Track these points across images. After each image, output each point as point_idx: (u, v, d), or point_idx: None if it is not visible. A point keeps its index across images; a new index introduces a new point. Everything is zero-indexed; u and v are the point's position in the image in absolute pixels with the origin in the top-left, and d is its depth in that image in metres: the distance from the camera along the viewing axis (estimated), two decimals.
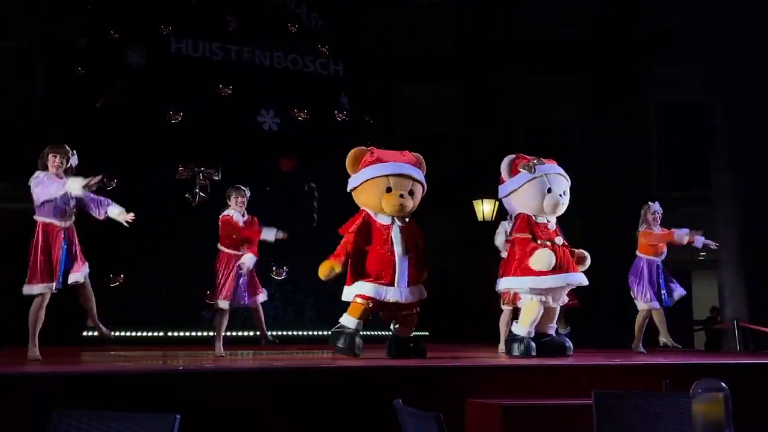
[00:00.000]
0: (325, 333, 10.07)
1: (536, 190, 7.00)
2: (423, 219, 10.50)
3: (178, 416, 2.91)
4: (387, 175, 6.75)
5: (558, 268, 6.84)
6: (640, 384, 5.28)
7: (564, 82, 17.60)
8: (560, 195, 7.04)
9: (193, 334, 10.33)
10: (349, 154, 6.92)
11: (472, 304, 9.51)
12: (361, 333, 6.73)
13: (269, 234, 7.71)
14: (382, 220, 6.78)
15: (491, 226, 14.99)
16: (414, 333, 7.12)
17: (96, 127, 11.27)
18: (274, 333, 10.88)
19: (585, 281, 7.04)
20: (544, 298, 6.92)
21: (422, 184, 6.97)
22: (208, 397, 4.59)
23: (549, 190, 7.00)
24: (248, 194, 7.64)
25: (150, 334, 10.51)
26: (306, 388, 4.93)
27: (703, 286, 16.98)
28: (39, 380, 4.43)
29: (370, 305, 6.65)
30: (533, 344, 6.86)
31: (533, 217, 7.04)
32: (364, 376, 5.28)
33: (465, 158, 17.09)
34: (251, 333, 10.96)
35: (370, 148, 7.06)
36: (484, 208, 15.05)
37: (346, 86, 13.35)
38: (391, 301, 6.63)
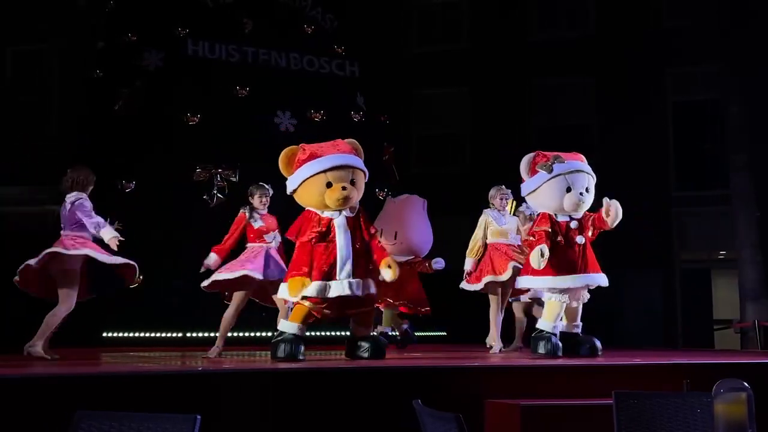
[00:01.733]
0: (333, 334, 10.11)
1: (555, 190, 6.86)
2: (437, 220, 10.56)
3: (198, 417, 2.93)
4: (324, 171, 6.48)
5: (578, 269, 6.79)
6: (661, 384, 5.25)
7: (578, 82, 17.54)
8: (581, 193, 6.87)
9: (212, 335, 10.35)
10: (281, 155, 6.67)
11: (489, 304, 9.45)
12: (304, 336, 6.42)
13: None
14: (329, 215, 6.50)
15: None
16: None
17: (114, 130, 11.33)
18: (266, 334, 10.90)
19: (605, 282, 6.94)
20: (563, 298, 6.83)
21: (363, 171, 6.68)
22: (227, 398, 4.61)
23: (569, 189, 6.85)
24: (271, 192, 7.66)
25: (169, 335, 10.57)
26: (325, 390, 4.94)
27: (723, 285, 16.87)
28: (61, 381, 4.46)
29: (315, 306, 6.34)
30: (560, 344, 6.76)
31: (554, 216, 6.96)
32: (382, 376, 5.29)
33: (479, 159, 17.09)
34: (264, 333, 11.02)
35: (301, 145, 6.77)
36: None
37: (363, 87, 13.36)
38: (333, 296, 6.29)
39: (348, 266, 6.33)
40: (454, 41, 18.16)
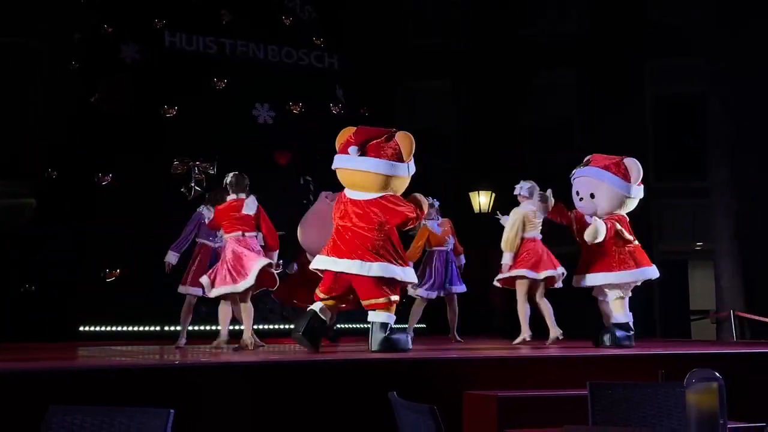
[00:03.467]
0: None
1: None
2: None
3: (172, 411, 2.91)
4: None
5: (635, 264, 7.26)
6: (636, 374, 5.29)
7: (560, 75, 17.56)
8: (578, 199, 7.46)
9: (191, 328, 10.33)
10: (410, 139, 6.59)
11: (469, 296, 9.48)
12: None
13: None
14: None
15: (488, 218, 15.05)
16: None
17: (90, 123, 11.24)
18: (271, 327, 10.96)
19: (656, 274, 7.36)
20: (622, 293, 7.26)
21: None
22: (204, 392, 4.59)
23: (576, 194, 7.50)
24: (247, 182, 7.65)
25: (147, 328, 10.52)
26: (299, 383, 4.93)
27: (699, 276, 17.02)
28: (35, 376, 4.42)
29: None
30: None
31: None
32: (360, 369, 5.29)
33: (462, 151, 17.09)
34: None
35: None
36: (481, 200, 15.06)
37: (342, 79, 13.33)
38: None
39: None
40: (438, 34, 18.06)
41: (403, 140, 6.51)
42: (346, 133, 6.67)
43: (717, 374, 2.58)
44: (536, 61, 17.05)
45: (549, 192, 7.68)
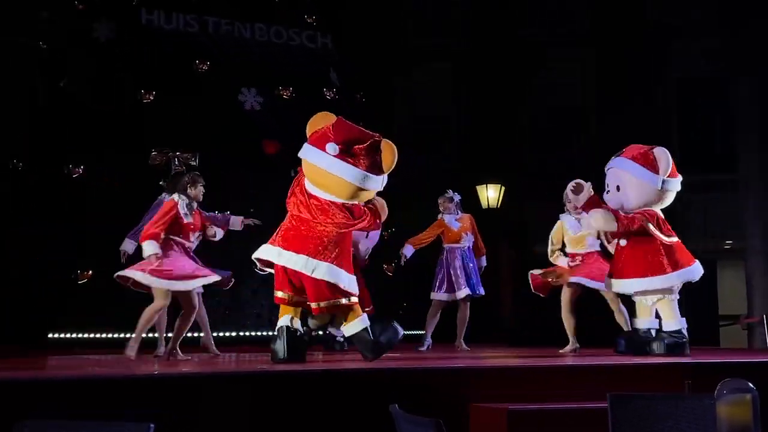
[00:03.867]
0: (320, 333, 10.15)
1: None
2: (422, 208, 10.55)
3: (152, 425, 2.92)
4: None
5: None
6: (660, 385, 5.30)
7: (574, 56, 17.54)
8: (606, 192, 7.54)
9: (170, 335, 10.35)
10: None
11: (477, 300, 9.49)
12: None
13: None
14: None
15: (497, 213, 15.07)
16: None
17: (60, 109, 11.23)
18: (259, 333, 10.99)
19: (695, 275, 7.39)
20: (664, 295, 7.29)
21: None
22: (188, 403, 4.59)
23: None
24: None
25: (122, 335, 10.50)
26: (295, 393, 4.94)
27: (729, 277, 17.03)
28: (1, 388, 4.42)
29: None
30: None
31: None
32: (356, 379, 5.29)
33: (467, 141, 17.08)
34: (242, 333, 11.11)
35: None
36: (489, 194, 15.07)
37: (336, 61, 13.31)
38: None
39: None
40: (439, 12, 18.04)
41: (386, 152, 6.47)
42: (323, 121, 6.59)
43: (750, 385, 2.59)
44: (547, 41, 17.04)
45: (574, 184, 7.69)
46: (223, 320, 10.78)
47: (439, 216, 9.14)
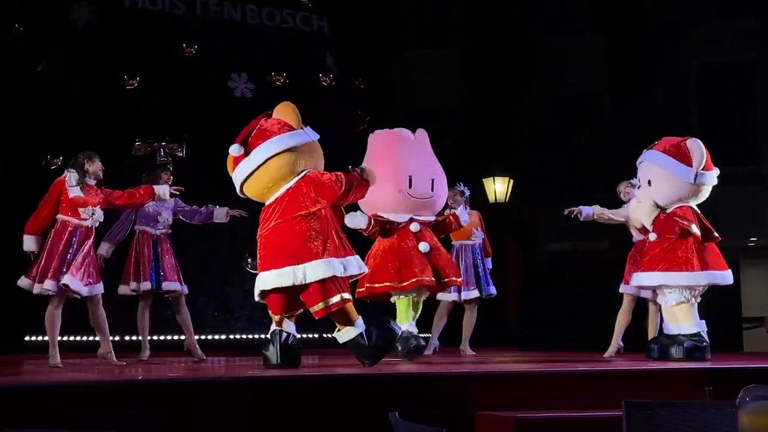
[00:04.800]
0: (315, 336, 10.17)
1: None
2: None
3: None
4: None
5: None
6: (678, 392, 5.30)
7: (586, 42, 17.50)
8: (637, 186, 7.69)
9: (155, 338, 10.35)
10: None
11: (483, 300, 9.48)
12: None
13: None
14: None
15: (505, 207, 15.06)
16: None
17: (37, 96, 11.22)
18: (253, 337, 11.00)
19: (726, 280, 7.53)
20: (684, 297, 7.29)
21: None
22: (175, 410, 4.60)
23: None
24: None
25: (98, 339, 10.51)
26: (289, 401, 4.94)
27: (752, 277, 17.02)
28: None
29: None
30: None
31: None
32: (357, 385, 5.30)
33: (473, 132, 17.05)
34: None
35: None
36: (497, 188, 15.06)
37: (333, 45, 13.30)
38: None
39: None
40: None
41: (283, 110, 6.75)
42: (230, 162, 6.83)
43: None
44: (558, 26, 17.02)
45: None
46: (212, 323, 10.80)
47: (446, 211, 8.95)
